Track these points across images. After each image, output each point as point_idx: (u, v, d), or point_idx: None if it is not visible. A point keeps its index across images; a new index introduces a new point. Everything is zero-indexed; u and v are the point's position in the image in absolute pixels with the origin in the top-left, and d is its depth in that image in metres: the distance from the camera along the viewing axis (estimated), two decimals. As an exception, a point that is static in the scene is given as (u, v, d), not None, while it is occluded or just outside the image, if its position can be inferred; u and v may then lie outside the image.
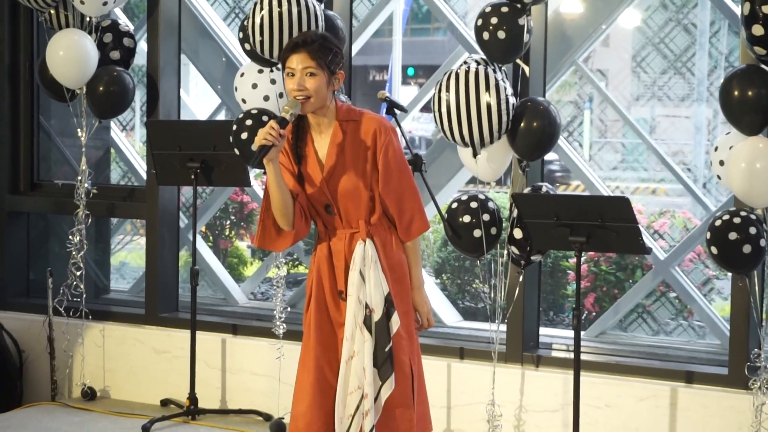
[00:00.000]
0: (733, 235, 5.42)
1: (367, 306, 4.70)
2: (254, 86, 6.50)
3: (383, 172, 4.71)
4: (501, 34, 5.83)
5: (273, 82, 6.47)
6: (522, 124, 5.87)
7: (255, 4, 6.19)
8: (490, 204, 6.04)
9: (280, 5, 6.11)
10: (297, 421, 4.78)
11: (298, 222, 4.74)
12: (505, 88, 5.81)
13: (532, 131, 5.88)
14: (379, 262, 4.72)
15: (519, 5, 5.87)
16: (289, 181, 4.73)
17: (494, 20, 5.84)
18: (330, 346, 4.80)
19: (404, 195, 4.76)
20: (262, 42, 6.20)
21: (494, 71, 5.84)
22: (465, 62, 5.93)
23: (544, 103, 5.96)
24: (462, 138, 5.83)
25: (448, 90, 5.81)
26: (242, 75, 6.57)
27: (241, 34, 6.54)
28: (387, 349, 4.69)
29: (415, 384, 4.79)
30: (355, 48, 7.32)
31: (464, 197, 6.08)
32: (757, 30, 5.27)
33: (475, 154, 5.89)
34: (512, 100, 5.86)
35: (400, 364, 4.73)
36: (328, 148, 4.72)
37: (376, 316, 4.69)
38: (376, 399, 4.69)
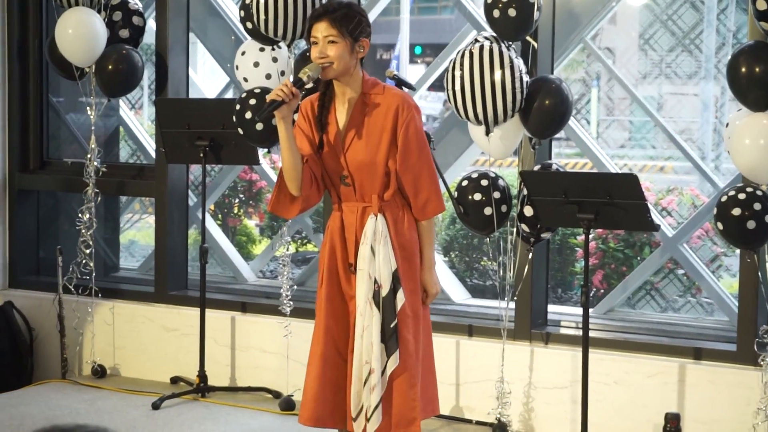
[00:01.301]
0: (737, 211, 5.42)
1: (375, 281, 4.71)
2: (256, 65, 6.49)
3: (402, 149, 4.71)
4: (511, 12, 5.80)
5: (275, 60, 6.47)
6: (535, 103, 5.87)
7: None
8: (501, 182, 6.04)
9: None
10: (306, 392, 4.82)
11: (307, 188, 4.75)
12: (519, 66, 5.80)
13: (545, 109, 5.86)
14: (389, 238, 4.73)
15: (529, -18, 5.86)
16: (303, 146, 4.73)
17: (504, -2, 5.82)
18: (341, 317, 4.82)
19: (422, 174, 4.75)
20: (266, 21, 6.20)
21: (507, 49, 5.83)
22: (476, 40, 5.91)
23: (556, 81, 5.94)
24: (476, 116, 5.83)
25: (462, 68, 5.80)
26: (243, 53, 6.56)
27: (242, 13, 6.51)
28: (392, 325, 4.69)
29: (419, 364, 4.79)
30: (363, 26, 7.28)
31: (474, 175, 6.08)
32: (761, 4, 5.28)
33: (488, 132, 5.89)
34: (526, 78, 5.85)
35: (404, 341, 4.73)
36: (350, 118, 4.73)
37: (384, 291, 4.70)
38: (382, 373, 4.70)
